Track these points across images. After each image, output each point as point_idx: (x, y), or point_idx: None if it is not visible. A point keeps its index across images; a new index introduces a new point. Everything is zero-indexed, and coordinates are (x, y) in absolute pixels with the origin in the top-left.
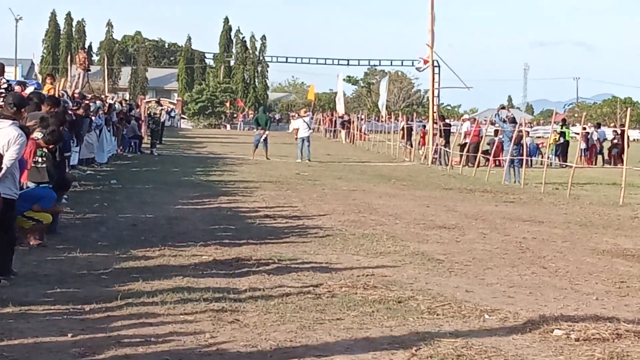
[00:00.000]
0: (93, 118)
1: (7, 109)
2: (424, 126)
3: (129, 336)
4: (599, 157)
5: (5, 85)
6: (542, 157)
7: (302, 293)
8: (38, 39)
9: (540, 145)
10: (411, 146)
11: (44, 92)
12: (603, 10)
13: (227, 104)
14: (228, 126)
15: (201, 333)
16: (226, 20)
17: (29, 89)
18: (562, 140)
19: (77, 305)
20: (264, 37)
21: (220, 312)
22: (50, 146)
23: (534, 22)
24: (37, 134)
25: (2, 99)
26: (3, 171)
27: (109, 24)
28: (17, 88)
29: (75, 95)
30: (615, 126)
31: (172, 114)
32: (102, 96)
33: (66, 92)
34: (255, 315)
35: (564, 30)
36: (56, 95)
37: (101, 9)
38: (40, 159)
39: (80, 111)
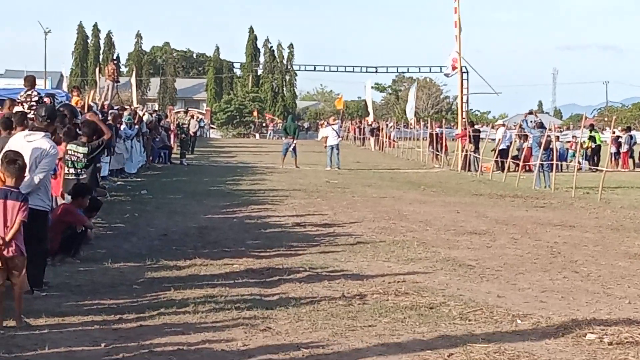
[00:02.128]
0: (122, 128)
1: (39, 121)
2: (442, 132)
3: (162, 345)
4: (630, 160)
5: (36, 98)
6: (571, 161)
7: (334, 300)
8: (67, 51)
9: (570, 146)
10: (439, 152)
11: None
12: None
13: (255, 114)
14: (257, 135)
15: (233, 341)
16: (251, 29)
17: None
18: (592, 144)
19: (110, 316)
20: (291, 46)
21: (252, 320)
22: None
23: (561, 26)
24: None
25: (33, 112)
26: (37, 183)
27: (138, 35)
28: (46, 100)
29: (105, 106)
30: None
31: (202, 123)
32: (131, 107)
33: (95, 103)
34: (287, 323)
35: (592, 34)
36: (86, 107)
37: (129, 20)
38: (78, 170)
39: (110, 120)
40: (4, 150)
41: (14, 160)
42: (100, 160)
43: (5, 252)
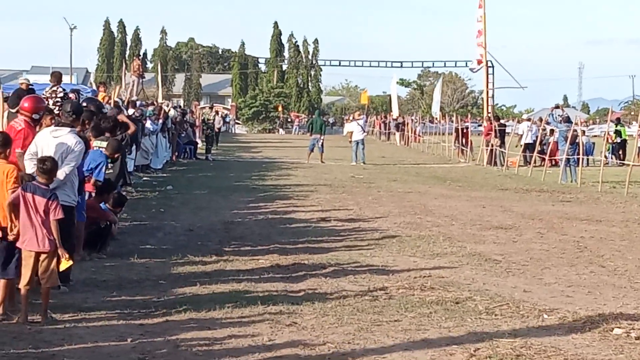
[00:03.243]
0: (147, 124)
1: (65, 117)
2: (467, 127)
3: (188, 340)
4: None
5: (61, 94)
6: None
7: (360, 295)
8: (92, 48)
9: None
10: (464, 146)
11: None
12: None
13: (279, 109)
14: (281, 130)
15: (259, 336)
16: (276, 25)
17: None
18: (618, 139)
19: (136, 311)
20: (316, 41)
21: (278, 315)
22: (115, 155)
23: (587, 20)
24: (99, 143)
25: (59, 107)
26: (62, 178)
27: (163, 31)
28: (71, 96)
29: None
30: None
31: (227, 119)
32: (156, 103)
33: (121, 99)
34: (312, 318)
35: (618, 28)
36: (112, 102)
37: (154, 16)
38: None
39: (136, 114)
40: (32, 145)
41: (43, 161)
42: (126, 155)
43: (39, 248)
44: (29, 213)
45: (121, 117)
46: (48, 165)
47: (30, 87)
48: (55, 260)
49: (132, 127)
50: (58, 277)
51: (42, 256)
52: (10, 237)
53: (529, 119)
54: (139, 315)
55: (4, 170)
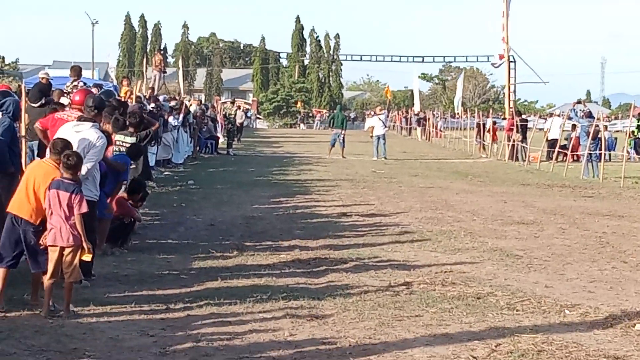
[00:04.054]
0: (170, 119)
1: (88, 112)
2: (495, 121)
3: (209, 335)
4: None
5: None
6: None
7: (381, 290)
8: (114, 42)
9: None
10: (484, 142)
11: (122, 94)
12: None
13: (299, 104)
14: (302, 125)
15: (280, 330)
16: (297, 19)
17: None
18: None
19: (157, 305)
20: (337, 36)
21: (299, 310)
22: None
23: (609, 14)
24: (122, 137)
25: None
26: (84, 173)
27: (185, 26)
28: (93, 90)
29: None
30: None
31: (248, 114)
32: (178, 97)
33: (143, 95)
34: (333, 313)
35: None
36: (134, 97)
37: (176, 11)
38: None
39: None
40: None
41: (68, 156)
42: (148, 151)
43: (63, 242)
44: (54, 209)
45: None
46: (72, 161)
47: (50, 80)
48: (78, 254)
49: (156, 124)
50: (81, 272)
51: (66, 251)
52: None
53: (559, 115)
54: (160, 309)
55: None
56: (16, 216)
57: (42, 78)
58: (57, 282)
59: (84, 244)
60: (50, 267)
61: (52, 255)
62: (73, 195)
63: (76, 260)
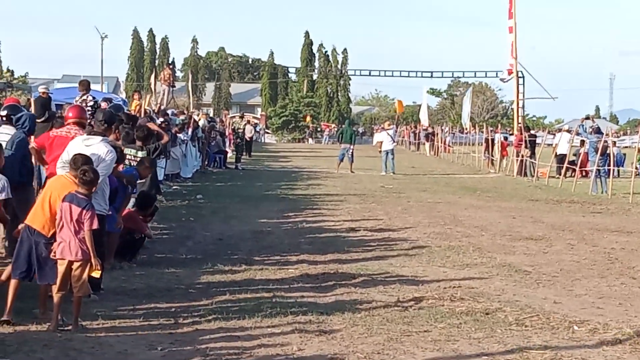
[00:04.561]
0: (179, 135)
1: (98, 126)
2: (506, 137)
3: (217, 349)
4: None
5: (91, 103)
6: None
7: (389, 305)
8: (123, 57)
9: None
10: (493, 157)
11: (132, 108)
12: None
13: (307, 119)
14: (311, 140)
15: (288, 345)
16: (307, 34)
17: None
18: None
19: (166, 319)
20: (345, 51)
21: (307, 324)
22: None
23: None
24: (130, 151)
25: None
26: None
27: (194, 40)
28: (103, 104)
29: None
30: None
31: (257, 128)
32: (186, 112)
33: (152, 109)
34: (342, 328)
35: None
36: (143, 111)
37: (185, 25)
38: None
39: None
40: (64, 153)
41: (84, 171)
42: (157, 165)
43: (72, 257)
44: (65, 222)
45: (152, 126)
46: (88, 176)
47: (49, 94)
48: (87, 269)
49: (166, 137)
50: (89, 286)
51: (75, 265)
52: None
53: (568, 130)
54: (168, 324)
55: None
56: (30, 227)
57: (42, 92)
58: (66, 296)
59: (93, 260)
60: (58, 280)
61: (60, 268)
62: (84, 211)
63: (85, 275)
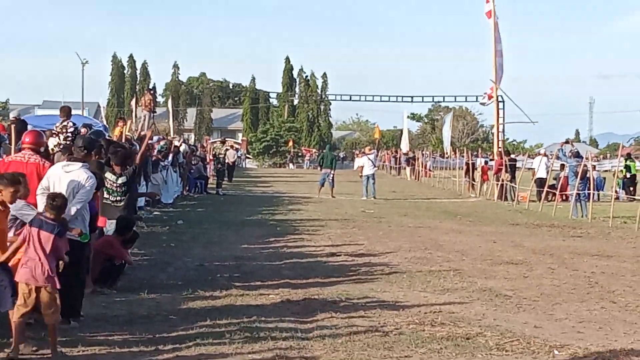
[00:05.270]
0: (161, 163)
1: (78, 152)
2: (486, 162)
3: None
4: None
5: (72, 129)
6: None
7: (370, 331)
8: (104, 82)
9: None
10: (474, 181)
11: (115, 134)
12: None
13: (290, 144)
14: (292, 165)
15: None
16: (287, 59)
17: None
18: (628, 174)
19: (146, 347)
20: (325, 75)
21: (288, 350)
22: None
23: (597, 55)
24: (113, 177)
25: (70, 142)
26: (73, 213)
27: (175, 66)
28: (82, 130)
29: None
30: None
31: (238, 153)
32: (168, 137)
33: (132, 136)
34: (323, 354)
35: (629, 62)
36: (124, 138)
37: (166, 51)
38: (118, 198)
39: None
40: (44, 180)
41: (54, 197)
42: (137, 189)
43: (37, 282)
44: (33, 247)
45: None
46: (58, 202)
47: (23, 119)
48: (57, 296)
49: (136, 155)
50: (60, 314)
51: (42, 291)
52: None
53: (545, 154)
54: (149, 350)
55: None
56: None
57: (14, 118)
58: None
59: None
60: (18, 303)
61: (22, 292)
62: (55, 236)
63: (54, 302)
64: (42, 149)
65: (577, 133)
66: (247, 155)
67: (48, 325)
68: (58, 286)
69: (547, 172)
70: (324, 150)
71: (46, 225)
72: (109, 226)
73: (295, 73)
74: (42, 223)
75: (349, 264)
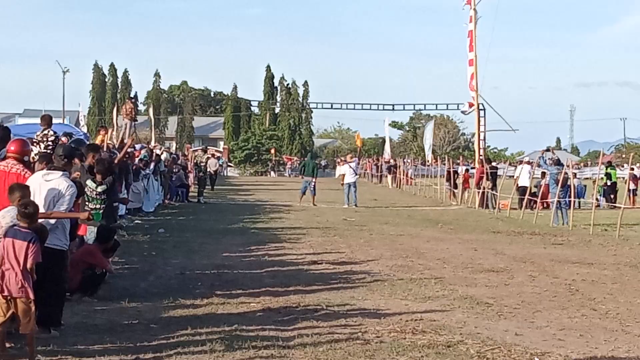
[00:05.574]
0: (142, 171)
1: (58, 160)
2: (467, 169)
3: None
4: None
5: (52, 138)
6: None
7: (351, 339)
8: (85, 91)
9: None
10: (455, 188)
11: (97, 142)
12: None
13: (272, 152)
14: (273, 173)
15: None
16: (268, 68)
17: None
18: (609, 181)
19: (127, 355)
20: (306, 83)
21: (269, 358)
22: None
23: (577, 63)
24: (93, 185)
25: (46, 150)
26: (53, 222)
27: (157, 74)
28: (63, 139)
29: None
30: None
31: (220, 161)
32: (150, 146)
33: (113, 143)
34: None
35: (608, 70)
36: (105, 146)
37: (148, 59)
38: (97, 205)
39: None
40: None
41: (25, 205)
42: (117, 198)
43: (12, 293)
44: (7, 258)
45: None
46: (30, 210)
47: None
48: (32, 305)
49: (115, 159)
50: (40, 323)
51: (17, 302)
52: None
53: (528, 162)
54: (130, 359)
55: None
56: None
57: None
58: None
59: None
60: None
61: None
62: (30, 244)
63: (29, 312)
64: (26, 158)
65: (558, 141)
66: (229, 164)
67: (27, 336)
68: (32, 296)
69: (529, 180)
70: (306, 159)
71: (20, 234)
72: (89, 234)
73: (276, 81)
74: (16, 232)
75: (330, 272)
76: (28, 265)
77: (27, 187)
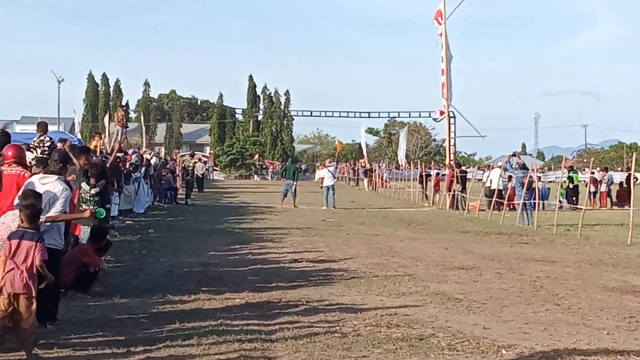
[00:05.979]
0: (133, 175)
1: (53, 165)
2: (438, 173)
3: None
4: (608, 199)
5: (48, 143)
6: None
7: (329, 332)
8: (79, 99)
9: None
10: (427, 191)
11: (92, 147)
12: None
13: (256, 157)
14: (256, 177)
15: None
16: (251, 78)
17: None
18: (571, 185)
19: (119, 348)
20: (287, 92)
21: (253, 351)
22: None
23: (541, 73)
24: (87, 187)
25: (42, 155)
26: (49, 222)
27: (146, 84)
28: (59, 145)
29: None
30: (622, 170)
31: (207, 166)
32: (140, 151)
33: (106, 147)
34: (285, 355)
35: (571, 80)
36: (99, 151)
37: (138, 69)
38: (91, 207)
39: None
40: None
41: (28, 205)
42: (110, 201)
43: (14, 289)
44: (12, 258)
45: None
46: (32, 211)
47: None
48: (33, 302)
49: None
50: (36, 319)
51: (21, 298)
52: None
53: (500, 166)
54: (121, 353)
55: None
56: None
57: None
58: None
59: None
60: None
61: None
62: (37, 244)
63: (30, 308)
64: (23, 161)
65: (524, 146)
66: (215, 168)
67: (25, 330)
68: (34, 294)
69: (501, 184)
70: (287, 163)
71: (27, 235)
72: (83, 234)
73: (259, 90)
74: (23, 234)
75: (310, 269)
76: (37, 263)
77: (40, 195)
